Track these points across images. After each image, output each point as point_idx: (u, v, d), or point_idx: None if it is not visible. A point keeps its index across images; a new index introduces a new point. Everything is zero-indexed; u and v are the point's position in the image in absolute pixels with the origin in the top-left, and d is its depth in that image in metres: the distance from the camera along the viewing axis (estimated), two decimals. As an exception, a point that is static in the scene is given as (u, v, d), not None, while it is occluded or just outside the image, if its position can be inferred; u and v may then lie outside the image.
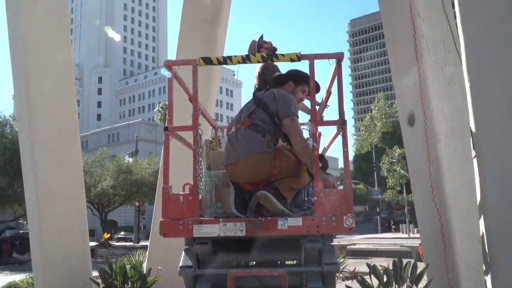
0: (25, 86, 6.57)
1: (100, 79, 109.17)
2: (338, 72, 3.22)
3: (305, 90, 3.59)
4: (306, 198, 3.60)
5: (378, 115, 29.99)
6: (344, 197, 2.96)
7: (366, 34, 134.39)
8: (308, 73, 3.24)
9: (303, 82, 3.55)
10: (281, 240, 3.18)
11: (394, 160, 30.37)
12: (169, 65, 3.21)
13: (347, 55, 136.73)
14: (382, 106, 30.80)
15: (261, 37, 5.03)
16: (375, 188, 50.44)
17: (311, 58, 3.12)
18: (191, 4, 7.62)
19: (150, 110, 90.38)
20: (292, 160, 3.22)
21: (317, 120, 3.20)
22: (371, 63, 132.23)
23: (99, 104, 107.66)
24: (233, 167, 3.27)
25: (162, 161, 3.65)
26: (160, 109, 48.69)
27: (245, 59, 3.16)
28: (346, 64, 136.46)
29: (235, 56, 3.16)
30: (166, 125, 3.17)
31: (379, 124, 29.75)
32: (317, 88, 3.44)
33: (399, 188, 37.26)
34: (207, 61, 3.16)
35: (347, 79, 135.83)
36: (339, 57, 3.15)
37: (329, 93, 3.98)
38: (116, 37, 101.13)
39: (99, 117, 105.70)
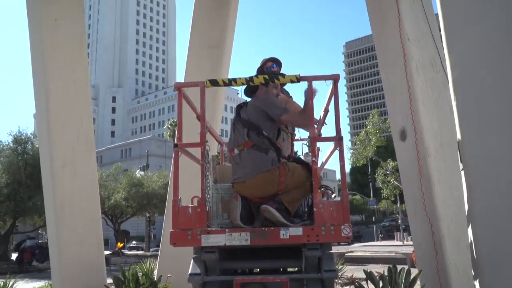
0: (45, 106, 6.65)
1: (114, 99, 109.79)
2: (334, 92, 3.25)
3: (276, 86, 3.58)
4: (306, 209, 3.61)
5: (373, 130, 29.97)
6: (341, 208, 2.97)
7: (360, 55, 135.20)
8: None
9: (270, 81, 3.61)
10: (283, 248, 3.19)
11: (388, 172, 30.24)
12: (179, 87, 3.25)
13: (343, 74, 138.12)
14: (376, 121, 30.81)
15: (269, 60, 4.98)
16: (371, 199, 50.20)
17: (310, 79, 3.16)
18: (198, 32, 7.70)
19: (160, 127, 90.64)
20: (297, 174, 3.22)
21: (315, 136, 3.22)
22: (365, 82, 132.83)
23: (113, 122, 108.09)
24: (241, 185, 3.27)
25: (172, 176, 3.67)
26: (170, 126, 48.81)
27: (249, 81, 3.20)
28: (342, 83, 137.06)
29: (240, 78, 3.21)
30: (175, 142, 3.20)
31: (373, 138, 29.70)
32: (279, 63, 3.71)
33: (393, 198, 37.05)
34: (214, 83, 3.20)
35: (343, 96, 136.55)
36: (335, 79, 3.19)
37: (326, 111, 4.00)
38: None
39: (113, 133, 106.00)
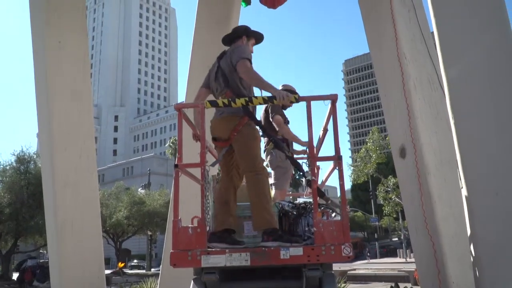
0: (48, 127, 6.67)
1: (116, 118, 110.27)
2: (333, 111, 3.25)
3: (253, 43, 3.75)
4: (306, 228, 3.58)
5: (373, 147, 30.00)
6: (341, 228, 2.95)
7: (359, 72, 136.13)
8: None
9: (252, 36, 3.73)
10: (283, 268, 3.15)
11: (389, 189, 30.13)
12: (179, 107, 3.26)
13: (342, 92, 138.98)
14: (376, 138, 30.85)
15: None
16: (373, 216, 49.83)
17: (308, 99, 3.16)
18: (199, 53, 7.76)
19: (162, 145, 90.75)
20: (249, 147, 3.35)
21: (314, 156, 3.22)
22: (365, 99, 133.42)
23: (115, 141, 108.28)
24: (212, 123, 3.52)
25: (173, 196, 3.66)
26: (171, 144, 48.89)
27: (248, 102, 3.21)
28: (342, 100, 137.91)
29: (239, 99, 3.22)
30: (176, 162, 3.20)
31: (374, 155, 29.71)
32: (261, 38, 3.76)
33: (395, 215, 36.79)
34: (214, 104, 3.22)
35: (343, 113, 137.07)
36: (333, 98, 3.19)
37: (325, 130, 4.01)
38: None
39: (115, 152, 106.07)
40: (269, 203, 3.23)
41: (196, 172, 3.27)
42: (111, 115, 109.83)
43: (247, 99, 3.21)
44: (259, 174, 3.26)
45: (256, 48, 3.84)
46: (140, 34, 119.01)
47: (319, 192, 3.18)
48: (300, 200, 4.09)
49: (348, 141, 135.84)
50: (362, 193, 63.39)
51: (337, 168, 3.19)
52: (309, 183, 3.11)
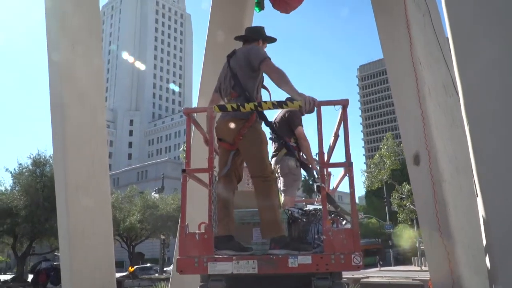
0: (61, 132, 6.72)
1: (131, 122, 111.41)
2: (343, 117, 3.19)
3: (265, 46, 3.75)
4: (316, 236, 3.51)
5: (387, 153, 29.68)
6: (351, 236, 2.87)
7: (374, 78, 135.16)
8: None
9: (269, 42, 3.75)
10: (292, 277, 3.08)
11: (404, 196, 29.73)
12: (187, 112, 3.23)
13: (357, 98, 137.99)
14: (390, 145, 30.53)
15: None
16: (387, 222, 49.20)
17: (318, 104, 3.11)
18: (212, 58, 7.75)
19: (176, 150, 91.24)
20: (256, 149, 3.28)
21: (324, 162, 3.15)
22: (380, 105, 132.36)
23: (130, 145, 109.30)
24: (217, 125, 3.43)
25: (181, 201, 3.62)
26: (185, 149, 49.08)
27: (257, 106, 3.16)
28: (356, 106, 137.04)
29: (248, 103, 3.18)
30: (184, 167, 3.16)
31: (388, 162, 29.38)
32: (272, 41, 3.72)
33: (410, 223, 36.24)
34: (222, 108, 3.18)
35: (357, 119, 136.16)
36: (344, 104, 3.13)
37: (336, 136, 3.94)
38: (142, 66, 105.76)
39: (129, 156, 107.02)
40: (276, 210, 3.17)
41: (205, 177, 3.23)
42: (127, 119, 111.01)
43: (256, 103, 3.17)
44: (266, 180, 3.20)
45: (270, 53, 3.82)
46: (156, 39, 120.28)
47: (329, 199, 3.11)
48: (311, 206, 4.01)
49: (363, 147, 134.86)
50: (377, 199, 62.67)
51: (347, 175, 3.13)
52: (319, 190, 3.04)
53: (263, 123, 3.45)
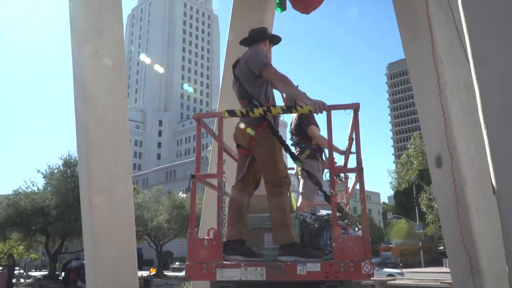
0: (85, 134, 6.87)
1: (160, 122, 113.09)
2: (355, 121, 3.13)
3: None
4: (328, 242, 3.45)
5: (414, 153, 29.00)
6: (362, 243, 2.80)
7: (403, 76, 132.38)
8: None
9: (275, 42, 3.74)
10: (301, 284, 3.03)
11: (432, 197, 28.98)
12: (198, 117, 3.24)
13: (386, 96, 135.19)
14: (418, 144, 29.80)
15: None
16: (417, 223, 48.17)
17: (329, 109, 3.05)
18: (233, 58, 7.75)
19: (204, 150, 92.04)
20: (269, 153, 3.25)
21: (334, 167, 3.09)
22: (409, 103, 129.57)
23: (159, 145, 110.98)
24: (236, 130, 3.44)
25: (190, 207, 3.63)
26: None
27: (266, 111, 3.14)
28: (385, 104, 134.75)
29: (257, 108, 3.16)
30: (194, 173, 3.17)
31: (415, 161, 28.70)
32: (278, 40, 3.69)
33: (439, 224, 35.36)
34: (231, 113, 3.17)
35: (387, 118, 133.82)
36: (355, 108, 3.07)
37: (351, 140, 3.87)
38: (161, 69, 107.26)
39: (159, 156, 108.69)
40: (287, 216, 3.13)
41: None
42: (156, 120, 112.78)
43: (265, 108, 3.14)
44: (278, 186, 3.17)
45: (294, 55, 3.77)
46: (184, 40, 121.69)
47: (338, 207, 3.05)
48: (323, 212, 3.95)
49: (392, 146, 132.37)
50: (406, 199, 61.42)
51: (359, 181, 3.06)
52: (328, 198, 2.98)
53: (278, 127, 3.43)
